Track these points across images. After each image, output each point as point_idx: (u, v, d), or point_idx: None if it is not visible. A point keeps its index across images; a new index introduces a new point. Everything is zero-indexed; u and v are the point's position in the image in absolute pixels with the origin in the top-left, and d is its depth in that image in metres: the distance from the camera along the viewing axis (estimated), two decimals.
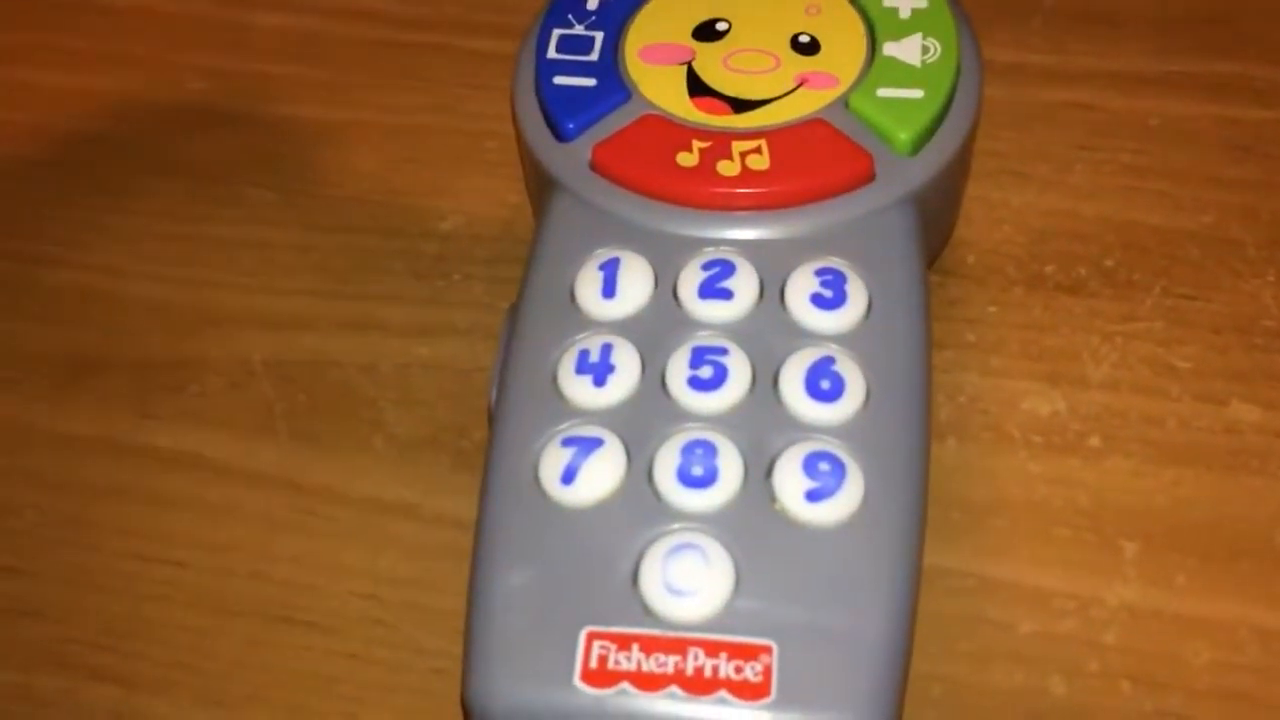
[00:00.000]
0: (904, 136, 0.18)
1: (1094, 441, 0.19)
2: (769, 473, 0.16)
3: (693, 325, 0.17)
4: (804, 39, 0.20)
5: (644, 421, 0.17)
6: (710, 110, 0.19)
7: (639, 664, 0.15)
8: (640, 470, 0.16)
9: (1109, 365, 0.20)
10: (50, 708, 0.18)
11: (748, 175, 0.18)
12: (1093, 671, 0.17)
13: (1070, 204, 0.22)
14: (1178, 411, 0.20)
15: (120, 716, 0.18)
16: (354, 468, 0.20)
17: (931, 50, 0.19)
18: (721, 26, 0.20)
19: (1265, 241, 0.21)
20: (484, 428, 0.19)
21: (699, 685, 0.15)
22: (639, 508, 0.16)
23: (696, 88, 0.19)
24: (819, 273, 0.17)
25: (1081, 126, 0.23)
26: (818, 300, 0.17)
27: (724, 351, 0.17)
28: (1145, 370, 0.20)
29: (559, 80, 0.20)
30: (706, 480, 0.16)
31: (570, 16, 0.20)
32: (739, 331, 0.17)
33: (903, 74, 0.19)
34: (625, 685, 0.15)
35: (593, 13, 0.20)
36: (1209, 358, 0.20)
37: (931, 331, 0.18)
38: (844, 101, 0.19)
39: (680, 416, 0.17)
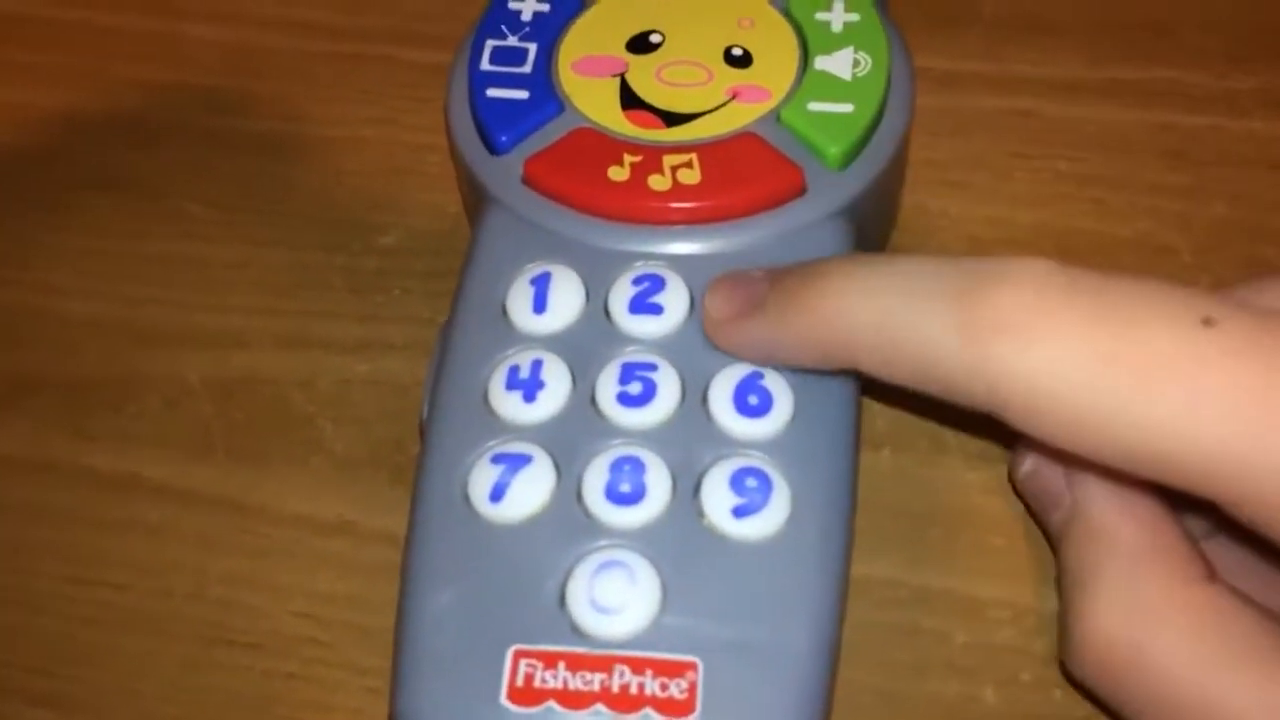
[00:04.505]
0: (834, 151, 0.18)
1: None
2: (697, 489, 0.16)
3: (623, 340, 0.17)
4: (737, 51, 0.20)
5: (573, 438, 0.17)
6: (642, 123, 0.19)
7: (565, 682, 0.15)
8: (569, 487, 0.16)
9: None
10: None
11: (679, 189, 0.18)
12: (1025, 681, 0.18)
13: (1007, 212, 0.22)
14: None
15: None
16: (291, 486, 0.20)
17: (863, 64, 0.19)
18: (655, 39, 0.20)
19: (1198, 248, 0.22)
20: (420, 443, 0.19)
21: (625, 703, 0.15)
22: (567, 525, 0.16)
23: (629, 100, 0.19)
24: None
25: (1019, 134, 0.23)
26: None
27: (653, 367, 0.17)
28: None
29: (492, 92, 0.20)
30: (634, 497, 0.16)
31: (504, 28, 0.20)
32: (669, 347, 0.17)
33: (834, 88, 0.19)
34: (551, 704, 0.15)
35: (526, 24, 0.20)
36: None
37: None
38: (775, 115, 0.19)
39: (610, 432, 0.17)
